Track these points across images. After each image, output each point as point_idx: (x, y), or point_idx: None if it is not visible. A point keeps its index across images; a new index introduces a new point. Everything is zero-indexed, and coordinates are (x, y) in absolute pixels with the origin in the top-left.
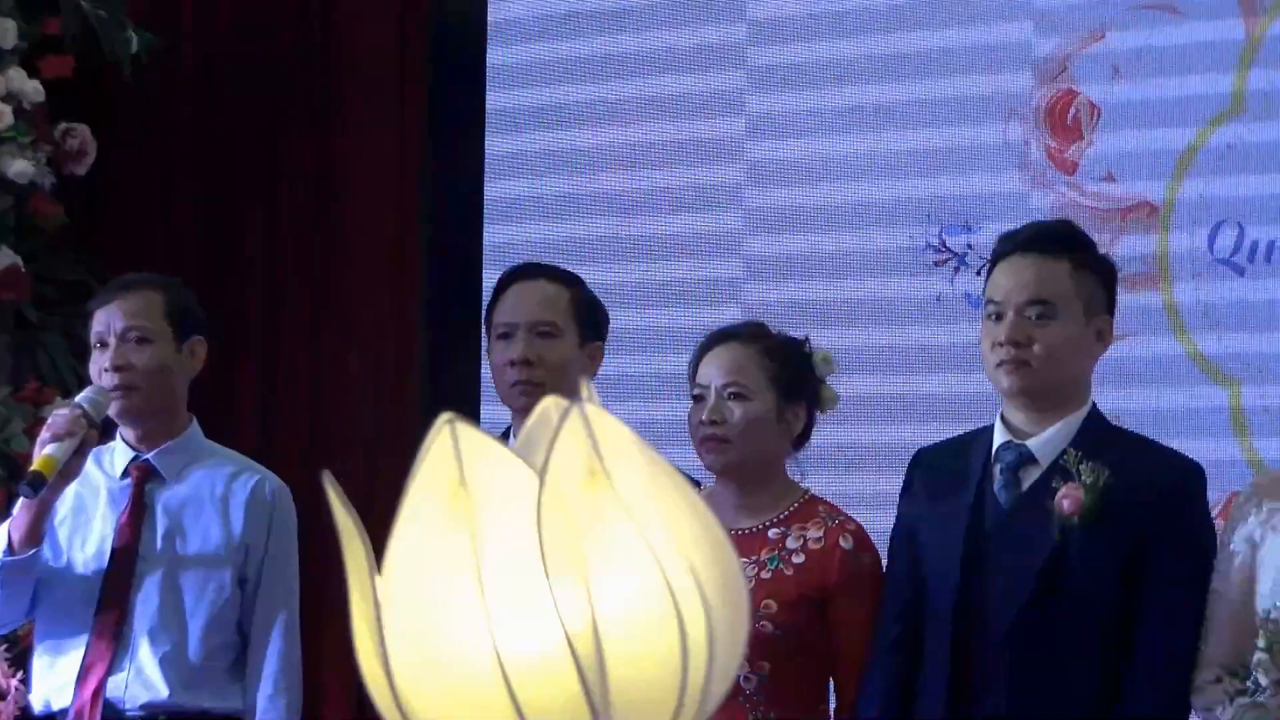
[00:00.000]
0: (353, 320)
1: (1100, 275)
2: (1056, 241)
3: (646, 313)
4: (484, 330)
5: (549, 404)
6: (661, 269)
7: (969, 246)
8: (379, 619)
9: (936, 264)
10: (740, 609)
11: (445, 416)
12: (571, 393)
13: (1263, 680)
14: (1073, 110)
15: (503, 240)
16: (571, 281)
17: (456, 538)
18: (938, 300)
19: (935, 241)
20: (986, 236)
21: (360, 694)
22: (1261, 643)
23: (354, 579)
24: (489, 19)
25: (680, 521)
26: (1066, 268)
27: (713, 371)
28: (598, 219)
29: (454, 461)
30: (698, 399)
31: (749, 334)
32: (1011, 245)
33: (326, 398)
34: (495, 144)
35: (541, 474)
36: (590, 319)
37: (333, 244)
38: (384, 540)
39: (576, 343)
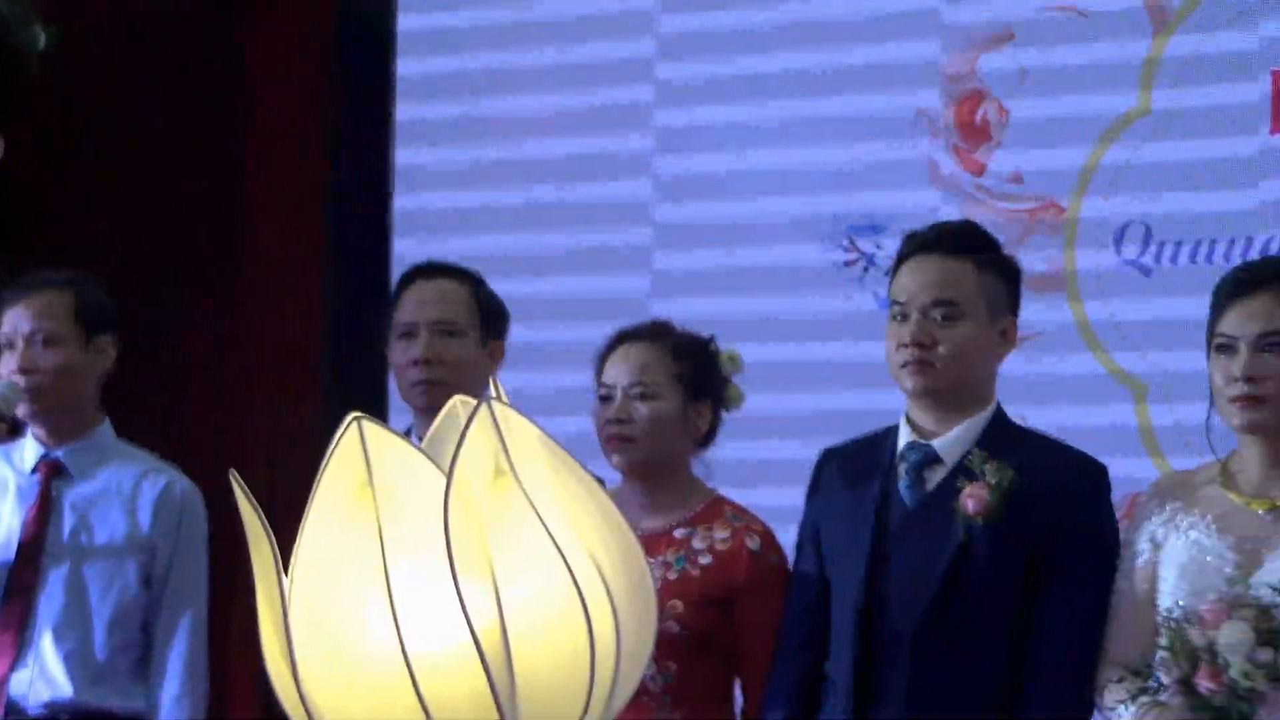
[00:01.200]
0: (261, 321)
1: (1004, 276)
2: (960, 242)
3: (554, 326)
4: (388, 330)
5: (457, 402)
6: (570, 283)
7: (877, 247)
8: (285, 618)
9: (846, 264)
10: (647, 609)
11: (352, 416)
12: (474, 391)
13: (1164, 679)
14: (980, 112)
15: (410, 250)
16: (472, 280)
17: (364, 537)
18: (847, 299)
19: (844, 243)
20: (896, 239)
21: (267, 692)
22: (1163, 641)
23: (260, 578)
24: (398, 29)
25: (587, 521)
26: (970, 268)
27: (618, 371)
28: (506, 231)
29: (361, 461)
30: (604, 399)
31: (654, 333)
32: (916, 246)
33: (235, 398)
34: (404, 154)
35: (449, 473)
36: (491, 317)
37: (241, 246)
38: (292, 539)
39: (478, 341)
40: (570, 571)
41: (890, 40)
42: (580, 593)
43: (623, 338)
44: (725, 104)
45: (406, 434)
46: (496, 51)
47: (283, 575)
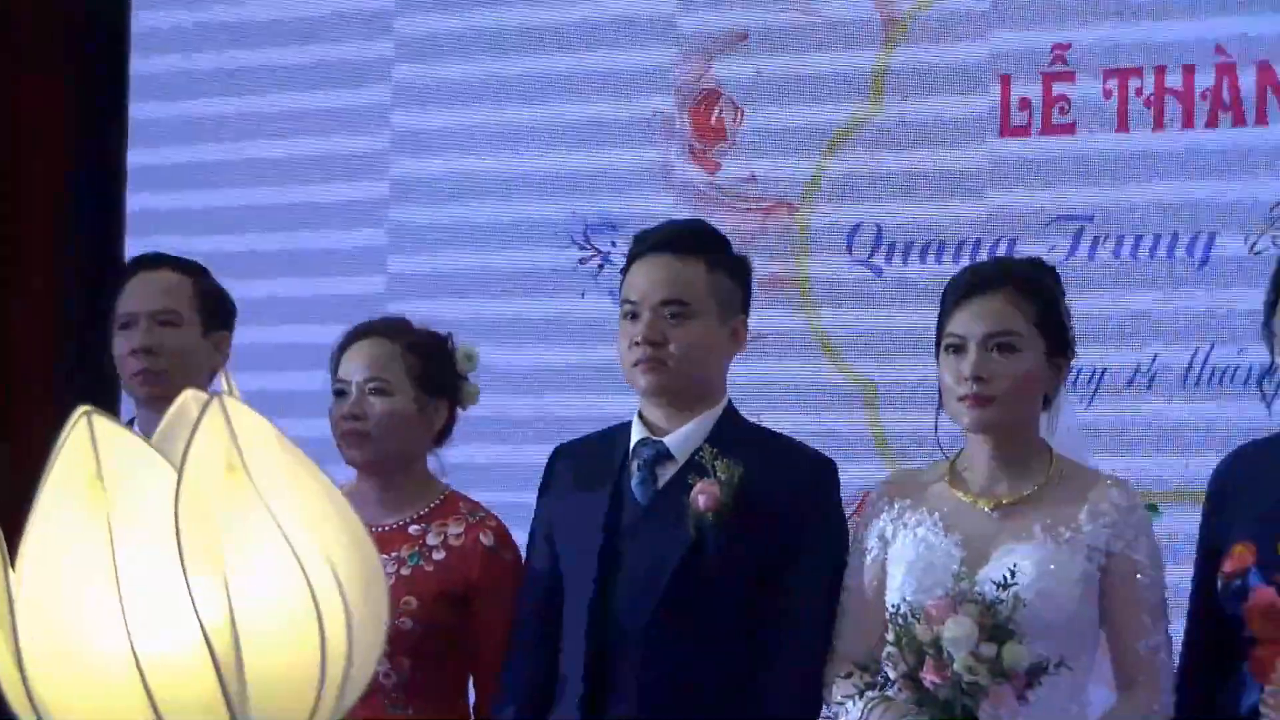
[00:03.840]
0: None
1: (736, 276)
2: (692, 241)
3: (286, 328)
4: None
5: (188, 397)
6: (304, 284)
7: (613, 245)
8: (12, 614)
9: (581, 263)
10: (379, 605)
11: (82, 409)
12: (196, 382)
13: (891, 674)
14: (715, 113)
15: (146, 249)
16: (194, 270)
17: (93, 532)
18: (582, 298)
19: (581, 242)
20: (631, 238)
21: None
22: (890, 637)
23: None
24: (133, 29)
25: (320, 517)
26: (702, 267)
27: (354, 367)
28: (240, 232)
29: (91, 455)
30: (339, 394)
31: (391, 329)
32: (647, 245)
33: None
34: (136, 154)
35: (180, 468)
36: (214, 308)
37: None
38: (20, 534)
39: (200, 331)
40: (303, 569)
41: (627, 41)
42: (312, 590)
43: (359, 333)
44: (462, 106)
45: (129, 424)
46: (231, 50)
47: (9, 571)
